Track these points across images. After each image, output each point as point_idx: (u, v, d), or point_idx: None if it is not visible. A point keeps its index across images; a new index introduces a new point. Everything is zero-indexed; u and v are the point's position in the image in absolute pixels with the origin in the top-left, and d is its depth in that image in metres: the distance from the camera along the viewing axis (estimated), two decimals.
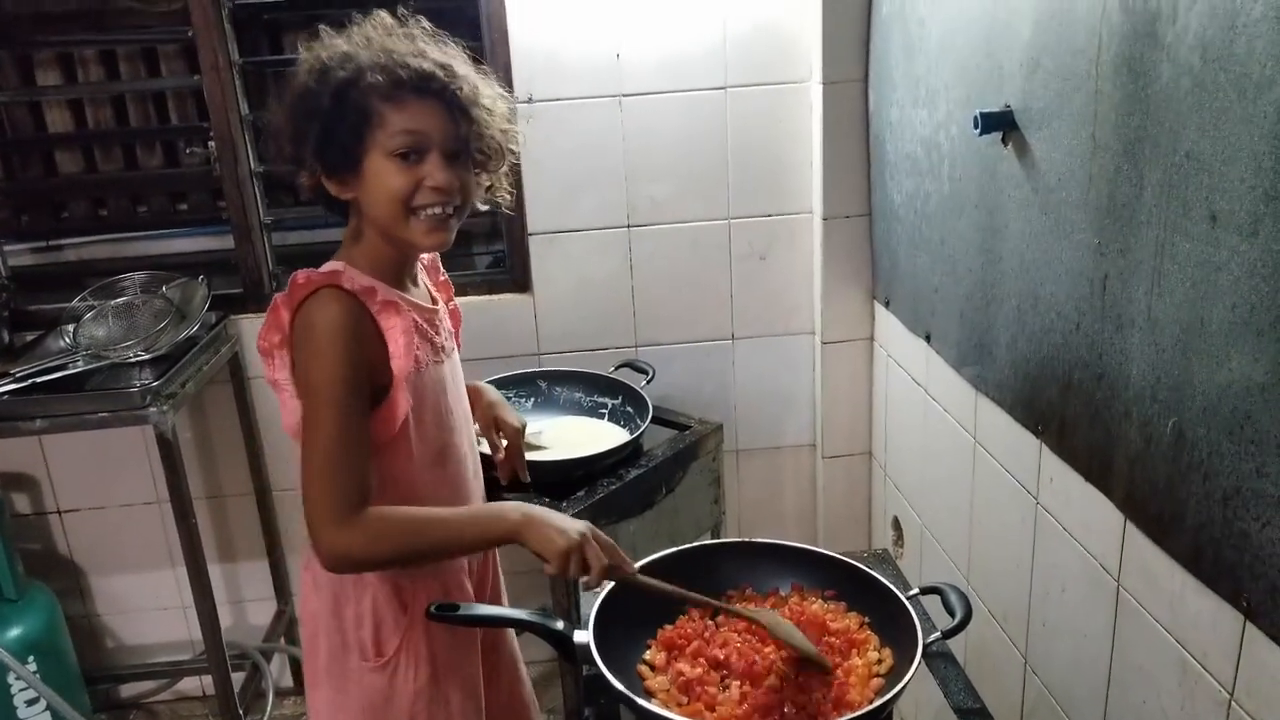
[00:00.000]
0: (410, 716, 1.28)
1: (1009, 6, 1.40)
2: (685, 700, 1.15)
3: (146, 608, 2.49)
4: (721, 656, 1.20)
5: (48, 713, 2.14)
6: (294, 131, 1.16)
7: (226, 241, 2.33)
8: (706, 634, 1.25)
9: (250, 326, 2.31)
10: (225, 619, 2.36)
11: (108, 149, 2.37)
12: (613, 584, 1.22)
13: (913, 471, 2.09)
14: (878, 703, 1.10)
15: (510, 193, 1.31)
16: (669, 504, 2.02)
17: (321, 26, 1.20)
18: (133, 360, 2.04)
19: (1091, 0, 1.19)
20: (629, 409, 2.13)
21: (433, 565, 1.29)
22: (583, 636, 1.17)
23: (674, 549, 1.34)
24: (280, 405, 1.20)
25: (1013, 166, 1.42)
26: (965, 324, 1.66)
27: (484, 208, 1.30)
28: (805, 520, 2.52)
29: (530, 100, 2.15)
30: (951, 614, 1.25)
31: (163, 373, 1.98)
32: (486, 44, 2.17)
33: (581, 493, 1.85)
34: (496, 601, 1.45)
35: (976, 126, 1.42)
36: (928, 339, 1.86)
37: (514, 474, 1.50)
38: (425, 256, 1.33)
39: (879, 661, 1.20)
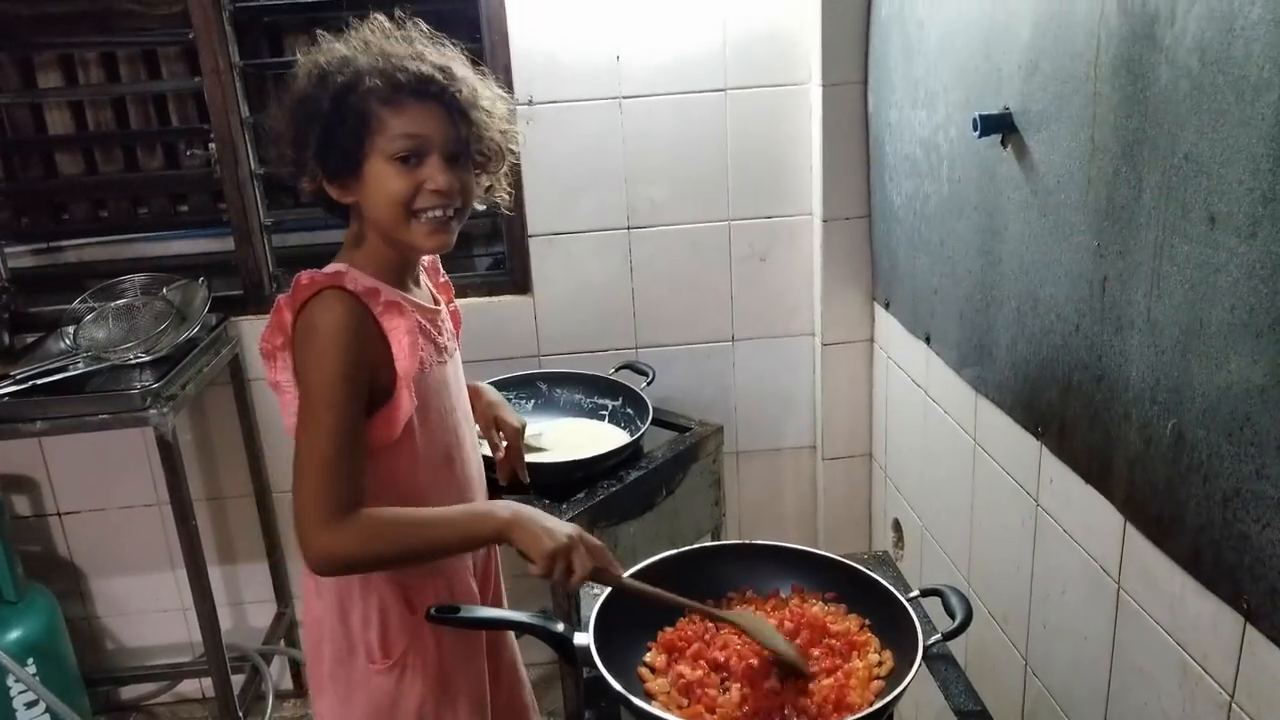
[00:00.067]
0: (418, 718, 1.28)
1: (1008, 9, 1.40)
2: (686, 702, 1.15)
3: (146, 610, 2.49)
4: (722, 659, 1.20)
5: (47, 715, 2.14)
6: (294, 137, 1.16)
7: (227, 243, 2.33)
8: (707, 636, 1.24)
9: (250, 328, 2.31)
10: (225, 621, 2.36)
11: (108, 151, 2.37)
12: (612, 587, 1.22)
13: (913, 473, 2.09)
14: (878, 705, 1.10)
15: (509, 193, 1.31)
16: (669, 506, 2.02)
17: (320, 31, 1.20)
18: (133, 362, 2.04)
19: (1090, 3, 1.19)
20: (629, 411, 2.13)
21: (438, 565, 1.29)
22: (583, 639, 1.17)
23: (674, 551, 1.34)
24: (281, 407, 1.20)
25: (1012, 168, 1.43)
26: (965, 325, 1.66)
27: (482, 208, 1.30)
28: (805, 522, 2.52)
29: (530, 102, 2.15)
30: (952, 616, 1.25)
31: (163, 375, 1.98)
32: (486, 46, 2.17)
33: (582, 494, 1.85)
34: (498, 604, 1.45)
35: (975, 129, 1.42)
36: (927, 340, 1.86)
37: (514, 475, 1.50)
38: (426, 258, 1.33)
39: (879, 664, 1.20)
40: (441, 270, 1.39)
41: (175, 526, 1.99)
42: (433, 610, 1.19)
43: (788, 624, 1.25)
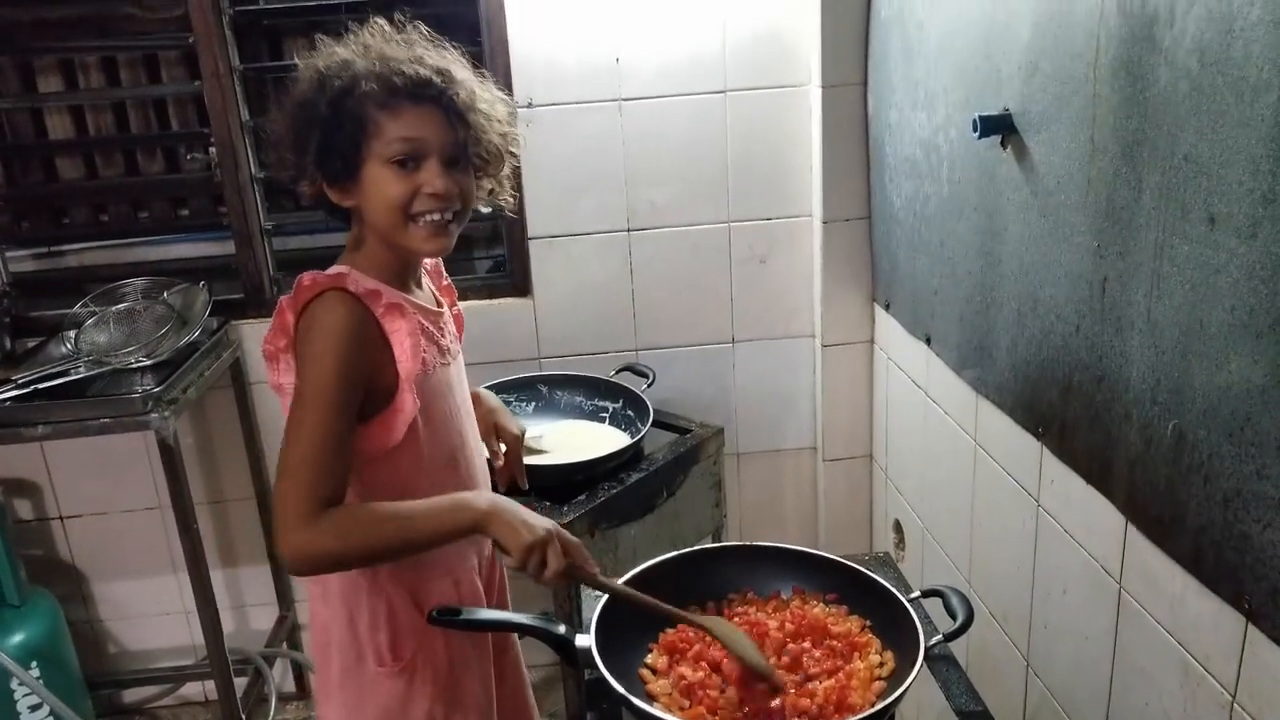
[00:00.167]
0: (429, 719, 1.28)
1: (1007, 10, 1.40)
2: (687, 704, 1.15)
3: (149, 613, 2.50)
4: (723, 660, 1.20)
5: (51, 718, 2.14)
6: (294, 141, 1.16)
7: (227, 247, 2.33)
8: (708, 638, 1.24)
9: (251, 332, 2.31)
10: (227, 624, 2.36)
11: (109, 155, 2.38)
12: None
13: (914, 474, 2.09)
14: (879, 706, 1.10)
15: (513, 195, 1.31)
16: (670, 508, 2.02)
17: (319, 35, 1.21)
18: (134, 366, 2.04)
19: (1089, 4, 1.19)
20: (630, 413, 2.14)
21: (445, 567, 1.29)
22: (585, 641, 1.17)
23: (675, 553, 1.34)
24: (284, 409, 1.20)
25: (1012, 169, 1.43)
26: (965, 326, 1.66)
27: (487, 210, 1.31)
28: (806, 523, 2.52)
29: (530, 105, 2.15)
30: (953, 616, 1.25)
31: (164, 378, 1.98)
32: (486, 49, 2.17)
33: (582, 496, 1.85)
34: (502, 604, 1.45)
35: (975, 130, 1.42)
36: (928, 341, 1.86)
37: (512, 480, 1.50)
38: (428, 261, 1.34)
39: (881, 664, 1.20)
40: (445, 273, 1.39)
41: (177, 530, 1.99)
42: (434, 613, 1.20)
43: (789, 625, 1.25)
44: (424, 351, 1.20)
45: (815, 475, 2.48)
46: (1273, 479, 0.95)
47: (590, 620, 1.20)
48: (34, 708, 2.12)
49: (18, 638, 2.11)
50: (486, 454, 1.46)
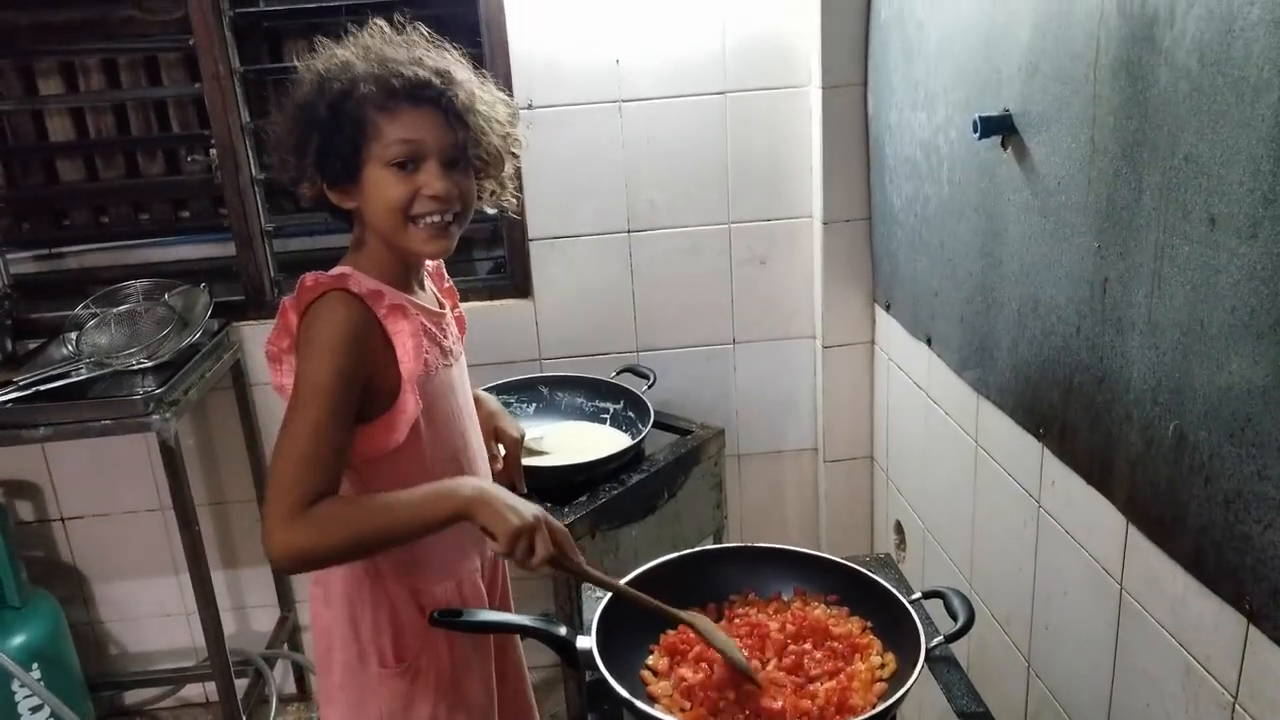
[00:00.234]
0: None
1: (1007, 10, 1.40)
2: (688, 705, 1.14)
3: (150, 614, 2.50)
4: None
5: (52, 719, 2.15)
6: (294, 144, 1.17)
7: (228, 249, 2.34)
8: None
9: (252, 333, 2.31)
10: (228, 625, 2.36)
11: (109, 157, 2.38)
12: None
13: (915, 475, 2.08)
14: (880, 707, 1.10)
15: (516, 196, 1.31)
16: (671, 509, 2.02)
17: (318, 38, 1.21)
18: (135, 368, 2.04)
19: (1089, 4, 1.19)
20: (630, 414, 2.14)
21: (448, 568, 1.29)
22: (585, 642, 1.17)
23: (676, 554, 1.34)
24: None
25: (1012, 170, 1.43)
26: (966, 327, 1.66)
27: (491, 211, 1.31)
28: (807, 524, 2.52)
29: (530, 106, 2.15)
30: (954, 618, 1.25)
31: (165, 380, 1.99)
32: (486, 50, 2.17)
33: (583, 498, 1.85)
34: (505, 605, 1.45)
35: (976, 130, 1.42)
36: (928, 342, 1.86)
37: (510, 483, 1.50)
38: (430, 264, 1.34)
39: (882, 666, 1.20)
40: (446, 276, 1.39)
41: (178, 531, 1.99)
42: (435, 614, 1.20)
43: (790, 627, 1.25)
44: (426, 353, 1.20)
45: (816, 476, 2.48)
46: (1273, 480, 0.94)
47: (591, 622, 1.20)
48: (35, 709, 2.13)
49: (19, 639, 2.11)
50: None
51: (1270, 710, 1.01)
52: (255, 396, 2.35)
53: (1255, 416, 0.96)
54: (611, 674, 1.12)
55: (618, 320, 2.34)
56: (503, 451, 1.48)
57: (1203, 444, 1.04)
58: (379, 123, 1.13)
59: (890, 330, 2.14)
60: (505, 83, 2.12)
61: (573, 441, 2.06)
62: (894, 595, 1.24)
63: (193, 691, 2.58)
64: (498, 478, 1.48)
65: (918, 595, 1.32)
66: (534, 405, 2.22)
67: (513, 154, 1.26)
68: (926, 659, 1.15)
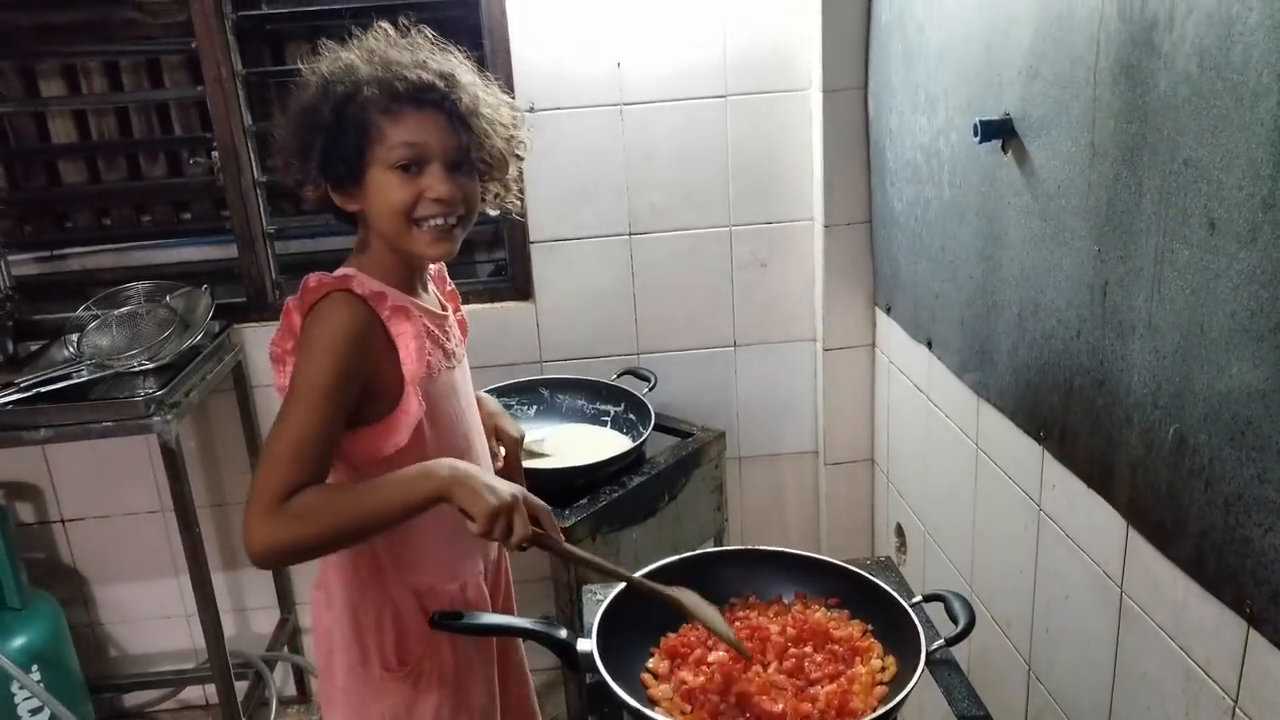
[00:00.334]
0: None
1: (1008, 14, 1.41)
2: (688, 708, 1.15)
3: (150, 616, 2.50)
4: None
5: None
6: (299, 146, 1.17)
7: (230, 251, 2.34)
8: (710, 641, 1.24)
9: (253, 335, 2.32)
10: (229, 628, 2.36)
11: (111, 159, 2.38)
12: (617, 592, 1.22)
13: (915, 478, 2.09)
14: (881, 710, 1.10)
15: (519, 199, 1.32)
16: (671, 511, 2.02)
17: (322, 40, 1.21)
18: (137, 369, 2.04)
19: (1090, 8, 1.20)
20: (631, 416, 2.14)
21: (451, 571, 1.29)
22: (586, 645, 1.17)
23: (676, 556, 1.34)
24: None
25: (1012, 173, 1.43)
26: (966, 330, 1.66)
27: (495, 213, 1.31)
28: (808, 527, 2.52)
29: (532, 109, 2.16)
30: (955, 621, 1.25)
31: (166, 382, 1.99)
32: (488, 54, 2.18)
33: (584, 500, 1.86)
34: (508, 607, 1.44)
35: (976, 134, 1.42)
36: (929, 345, 1.86)
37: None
38: (432, 267, 1.34)
39: (882, 669, 1.20)
40: (448, 279, 1.39)
41: (179, 533, 1.99)
42: (436, 616, 1.20)
43: (790, 630, 1.25)
44: (429, 354, 1.20)
45: (817, 479, 2.48)
46: (1274, 483, 0.95)
47: (592, 625, 1.20)
48: (35, 711, 2.13)
49: (19, 641, 2.11)
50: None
51: (1271, 714, 1.01)
52: (256, 398, 2.36)
53: (1255, 420, 0.96)
54: (612, 677, 1.12)
55: (619, 323, 2.34)
56: (503, 452, 1.48)
57: (1203, 447, 1.05)
58: (383, 126, 1.13)
59: (891, 333, 2.14)
60: (507, 86, 2.12)
61: (573, 444, 2.06)
62: (894, 598, 1.24)
63: (193, 693, 2.58)
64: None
65: (918, 598, 1.32)
66: (535, 407, 2.22)
67: (516, 156, 1.26)
68: (927, 662, 1.15)
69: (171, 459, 1.93)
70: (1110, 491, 1.26)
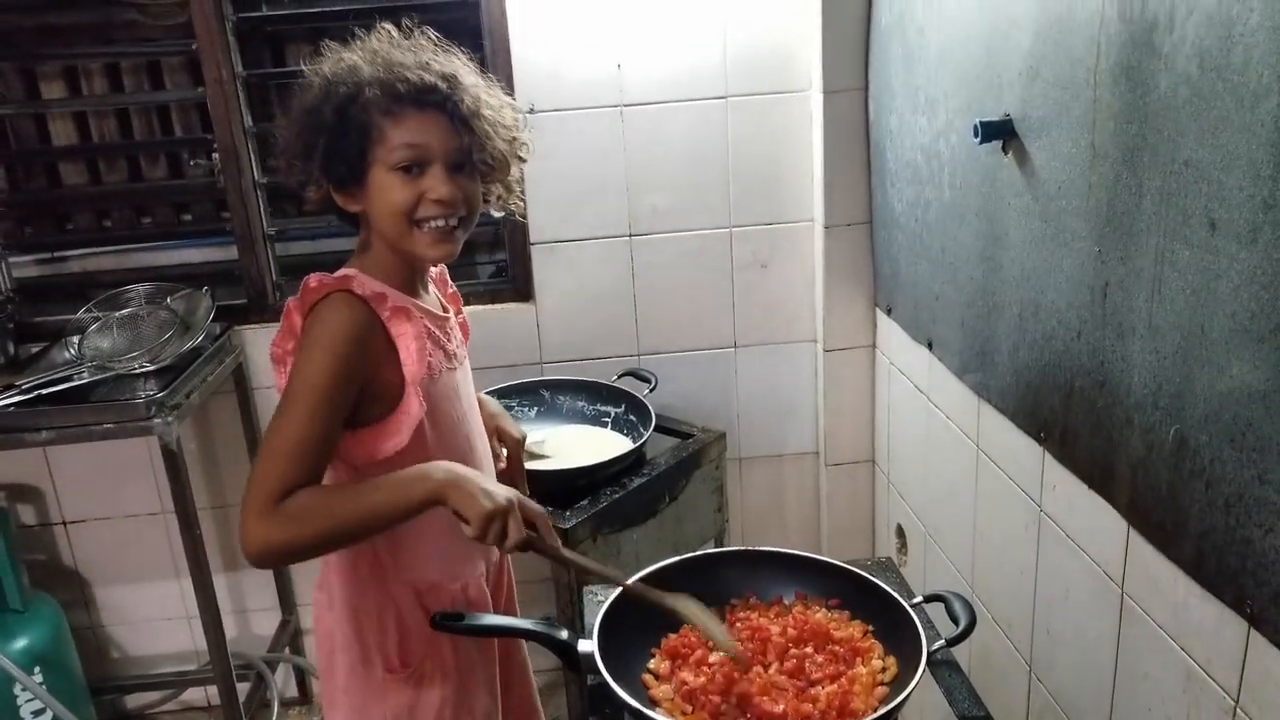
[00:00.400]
0: None
1: (1008, 16, 1.41)
2: (689, 709, 1.15)
3: (151, 618, 2.50)
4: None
5: None
6: (301, 147, 1.17)
7: (230, 252, 2.34)
8: (711, 642, 1.24)
9: (254, 337, 2.32)
10: (230, 629, 2.36)
11: (112, 161, 2.38)
12: (618, 593, 1.22)
13: (916, 479, 2.09)
14: (882, 711, 1.10)
15: (522, 200, 1.32)
16: (672, 512, 2.02)
17: (325, 41, 1.21)
18: (138, 371, 2.05)
19: (1090, 10, 1.20)
20: (632, 418, 2.14)
21: (453, 572, 1.29)
22: (587, 646, 1.17)
23: (677, 558, 1.34)
24: None
25: (1013, 174, 1.43)
26: (967, 331, 1.66)
27: (498, 215, 1.31)
28: (808, 528, 2.52)
29: (532, 110, 2.16)
30: (955, 622, 1.25)
31: (167, 384, 1.99)
32: (488, 55, 2.18)
33: (585, 502, 1.86)
34: (510, 609, 1.44)
35: (976, 135, 1.43)
36: (930, 346, 1.86)
37: (514, 485, 1.50)
38: (433, 269, 1.34)
39: (883, 670, 1.20)
40: (450, 282, 1.39)
41: (180, 535, 1.99)
42: (437, 617, 1.20)
43: (791, 630, 1.25)
44: (430, 355, 1.20)
45: (817, 480, 2.48)
46: (1274, 484, 0.95)
47: (593, 625, 1.20)
48: (37, 713, 2.13)
49: (21, 643, 2.11)
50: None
51: (1272, 714, 1.01)
52: (257, 400, 2.36)
53: (1256, 421, 0.96)
54: (613, 677, 1.12)
55: (619, 324, 2.35)
56: (505, 453, 1.48)
57: (1203, 448, 1.05)
58: (384, 127, 1.14)
59: (891, 334, 2.14)
60: (507, 87, 2.11)
61: (574, 445, 2.06)
62: (895, 599, 1.24)
63: (194, 695, 2.58)
64: (500, 479, 1.49)
65: (919, 599, 1.32)
66: (535, 409, 2.22)
67: (519, 158, 1.26)
68: (928, 663, 1.15)
69: (172, 461, 1.93)
70: (1111, 492, 1.26)
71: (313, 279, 1.16)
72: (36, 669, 2.12)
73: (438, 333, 1.25)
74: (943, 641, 1.24)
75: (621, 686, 1.11)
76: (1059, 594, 1.46)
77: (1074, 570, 1.40)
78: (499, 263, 2.45)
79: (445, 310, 1.32)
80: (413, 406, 1.17)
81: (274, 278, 2.35)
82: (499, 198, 1.28)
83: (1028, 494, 1.52)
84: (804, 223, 2.30)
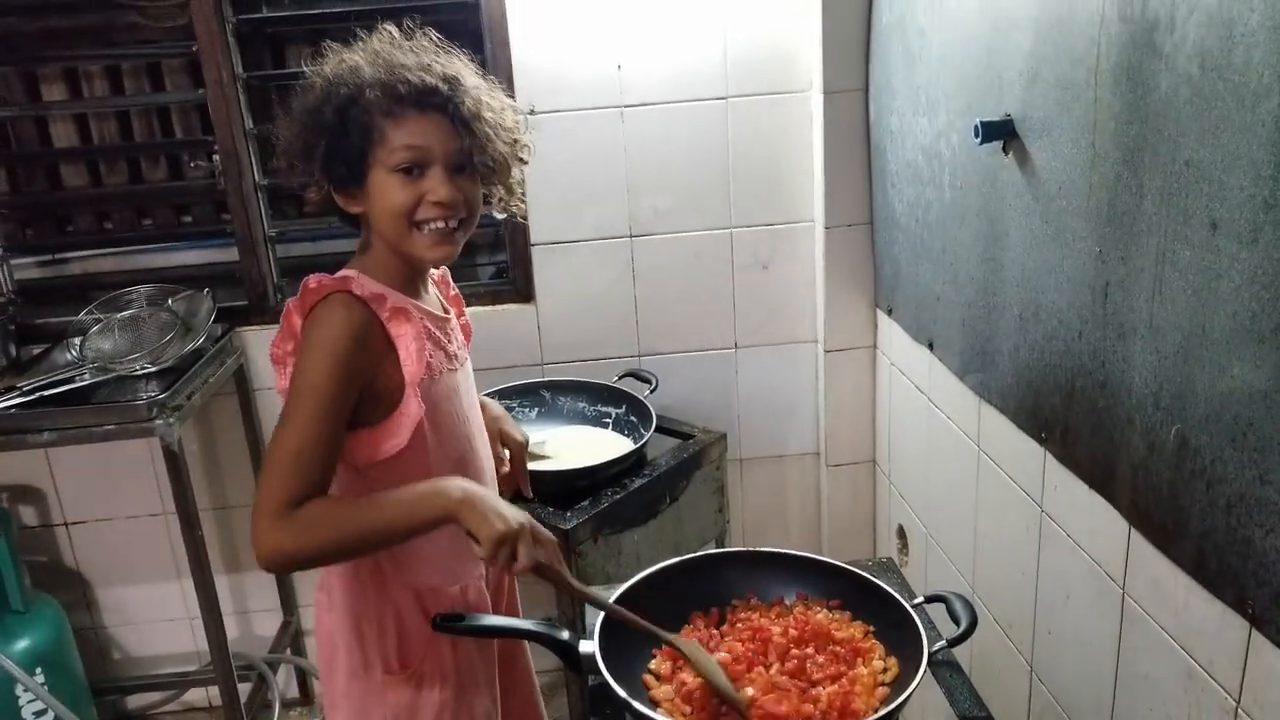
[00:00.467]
0: None
1: (1009, 16, 1.41)
2: (690, 710, 1.15)
3: (153, 619, 2.50)
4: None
5: None
6: (302, 148, 1.17)
7: (231, 254, 2.34)
8: (711, 644, 1.24)
9: (255, 339, 2.32)
10: (231, 630, 2.36)
11: (113, 162, 2.38)
12: (618, 593, 1.22)
13: (917, 479, 2.09)
14: (883, 711, 1.10)
15: (523, 202, 1.32)
16: (673, 513, 2.02)
17: (326, 42, 1.21)
18: (139, 373, 2.05)
19: (1090, 10, 1.20)
20: (632, 418, 2.14)
21: (453, 574, 1.29)
22: (588, 646, 1.17)
23: (678, 558, 1.34)
24: None
25: (1013, 175, 1.43)
26: (968, 332, 1.66)
27: (500, 216, 1.31)
28: (809, 529, 2.52)
29: (532, 112, 2.16)
30: (957, 622, 1.25)
31: (169, 385, 1.99)
32: (488, 56, 2.18)
33: (585, 502, 1.86)
34: (512, 612, 1.44)
35: (977, 135, 1.43)
36: (930, 347, 1.86)
37: (516, 489, 1.50)
38: (435, 271, 1.34)
39: (884, 670, 1.20)
40: (452, 284, 1.39)
41: (181, 536, 1.99)
42: (438, 618, 1.20)
43: (792, 631, 1.25)
44: (430, 356, 1.20)
45: (818, 481, 2.48)
46: (1275, 484, 0.95)
47: (594, 626, 1.20)
48: (39, 714, 2.13)
49: (23, 644, 2.11)
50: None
51: (1273, 715, 1.01)
52: (258, 401, 2.36)
53: (1257, 421, 0.96)
54: (614, 678, 1.12)
55: (620, 325, 2.35)
56: (508, 456, 1.48)
57: (1205, 448, 1.05)
58: (384, 128, 1.14)
59: (892, 334, 2.14)
60: (508, 88, 2.11)
61: (575, 446, 2.06)
62: (896, 599, 1.24)
63: (196, 696, 2.58)
64: (503, 482, 1.49)
65: (920, 599, 1.32)
66: (536, 410, 2.22)
67: (520, 160, 1.26)
68: (929, 663, 1.15)
69: (174, 462, 1.93)
70: (1112, 492, 1.26)
71: (312, 280, 1.16)
72: (38, 670, 2.12)
73: (438, 333, 1.25)
74: (944, 642, 1.24)
75: (622, 687, 1.11)
76: (1060, 594, 1.46)
77: (1075, 570, 1.40)
78: (500, 264, 2.45)
79: (446, 311, 1.32)
80: (411, 407, 1.17)
81: (275, 279, 2.36)
82: (500, 199, 1.28)
83: (1029, 494, 1.52)
84: (804, 223, 2.30)
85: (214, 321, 2.18)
